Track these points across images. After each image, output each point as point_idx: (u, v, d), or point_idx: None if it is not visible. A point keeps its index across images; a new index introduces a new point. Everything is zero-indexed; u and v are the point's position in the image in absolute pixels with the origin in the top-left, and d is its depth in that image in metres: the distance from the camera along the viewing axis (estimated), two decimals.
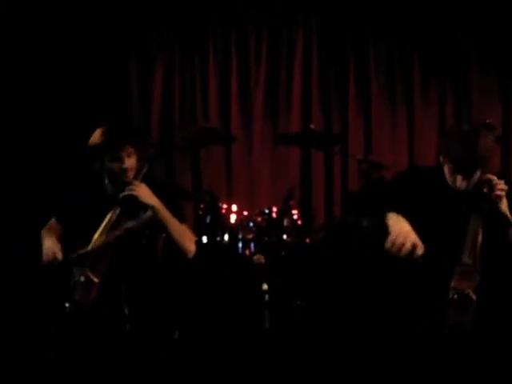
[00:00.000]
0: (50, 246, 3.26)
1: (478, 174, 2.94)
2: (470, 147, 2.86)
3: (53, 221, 3.49)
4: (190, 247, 3.32)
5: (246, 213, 5.18)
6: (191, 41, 6.25)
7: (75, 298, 3.10)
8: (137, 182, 3.21)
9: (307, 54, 6.24)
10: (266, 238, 5.02)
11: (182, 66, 6.26)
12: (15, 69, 5.76)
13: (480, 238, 2.89)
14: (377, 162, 5.35)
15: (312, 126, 5.46)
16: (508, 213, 2.92)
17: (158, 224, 3.22)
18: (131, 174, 3.24)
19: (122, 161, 3.19)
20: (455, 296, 2.81)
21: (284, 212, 5.13)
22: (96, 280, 3.10)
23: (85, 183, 3.46)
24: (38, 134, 5.78)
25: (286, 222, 5.10)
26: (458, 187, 2.96)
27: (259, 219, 5.11)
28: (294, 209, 5.21)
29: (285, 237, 5.05)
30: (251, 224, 5.06)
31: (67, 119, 5.78)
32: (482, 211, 2.92)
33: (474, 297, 2.80)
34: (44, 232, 3.43)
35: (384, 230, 2.86)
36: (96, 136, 3.24)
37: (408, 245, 2.76)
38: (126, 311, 3.13)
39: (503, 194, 2.90)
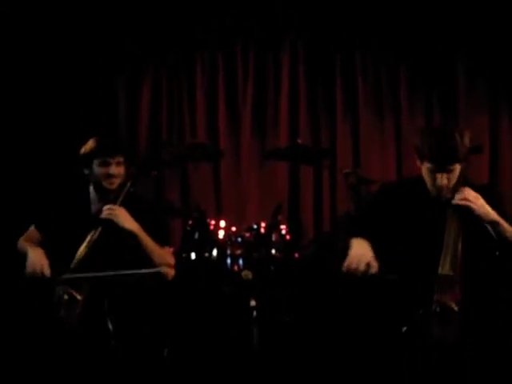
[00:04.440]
0: (38, 259, 3.22)
1: (458, 170, 2.94)
2: (445, 137, 2.93)
3: (32, 229, 3.47)
4: (169, 272, 3.35)
5: (234, 228, 5.16)
6: (179, 57, 6.26)
7: (59, 316, 3.08)
8: (115, 206, 3.25)
9: (294, 68, 6.24)
10: (255, 254, 5.00)
11: (169, 82, 6.26)
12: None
13: (460, 248, 2.89)
14: (364, 175, 5.34)
15: (299, 141, 5.46)
16: (486, 214, 2.92)
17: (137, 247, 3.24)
18: (116, 182, 3.30)
19: (109, 166, 3.26)
20: (437, 309, 2.80)
21: (272, 227, 5.11)
22: (79, 297, 3.09)
23: (69, 196, 3.49)
24: (23, 140, 5.78)
25: (274, 238, 5.07)
26: (439, 187, 2.96)
27: (247, 235, 5.09)
28: (283, 224, 5.18)
29: (273, 252, 5.02)
30: (239, 239, 5.04)
31: (55, 132, 5.82)
32: (458, 220, 2.94)
33: (456, 308, 2.79)
34: (23, 242, 3.42)
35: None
36: (89, 143, 3.34)
37: (361, 267, 2.92)
38: (111, 327, 3.11)
39: (463, 203, 2.92)
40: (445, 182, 2.95)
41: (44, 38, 5.86)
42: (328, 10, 6.15)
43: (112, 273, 3.12)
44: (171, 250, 3.51)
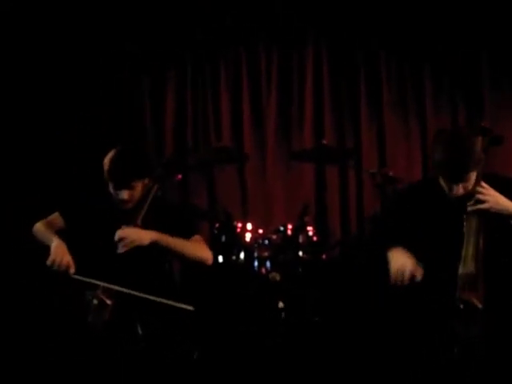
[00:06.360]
0: (63, 253, 3.16)
1: (474, 178, 2.93)
2: (454, 154, 2.89)
3: (56, 215, 3.41)
4: (206, 255, 3.36)
5: (261, 231, 5.15)
6: (202, 61, 6.26)
7: (88, 320, 3.10)
8: (124, 234, 3.16)
9: (318, 69, 6.22)
10: (282, 256, 4.99)
11: (193, 86, 6.26)
12: (22, 76, 5.79)
13: (481, 244, 2.87)
14: (391, 174, 5.32)
15: (324, 141, 5.45)
16: (503, 209, 2.91)
17: (165, 251, 3.24)
18: (131, 205, 3.26)
19: (121, 191, 3.22)
20: (461, 306, 2.79)
21: (299, 229, 5.10)
22: (109, 302, 3.10)
23: (100, 190, 3.40)
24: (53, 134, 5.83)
25: (301, 239, 5.07)
26: (455, 195, 2.94)
27: (274, 237, 5.08)
28: (310, 225, 5.17)
29: (300, 254, 5.02)
30: (266, 242, 5.03)
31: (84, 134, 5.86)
32: (477, 217, 2.92)
33: (479, 305, 2.78)
34: (44, 227, 3.35)
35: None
36: (107, 160, 3.26)
37: (406, 276, 2.90)
38: (140, 331, 3.13)
39: (481, 197, 2.90)
40: (461, 191, 2.94)
41: (45, 38, 5.83)
42: (351, 9, 6.12)
43: (147, 296, 3.09)
44: (200, 237, 3.43)
